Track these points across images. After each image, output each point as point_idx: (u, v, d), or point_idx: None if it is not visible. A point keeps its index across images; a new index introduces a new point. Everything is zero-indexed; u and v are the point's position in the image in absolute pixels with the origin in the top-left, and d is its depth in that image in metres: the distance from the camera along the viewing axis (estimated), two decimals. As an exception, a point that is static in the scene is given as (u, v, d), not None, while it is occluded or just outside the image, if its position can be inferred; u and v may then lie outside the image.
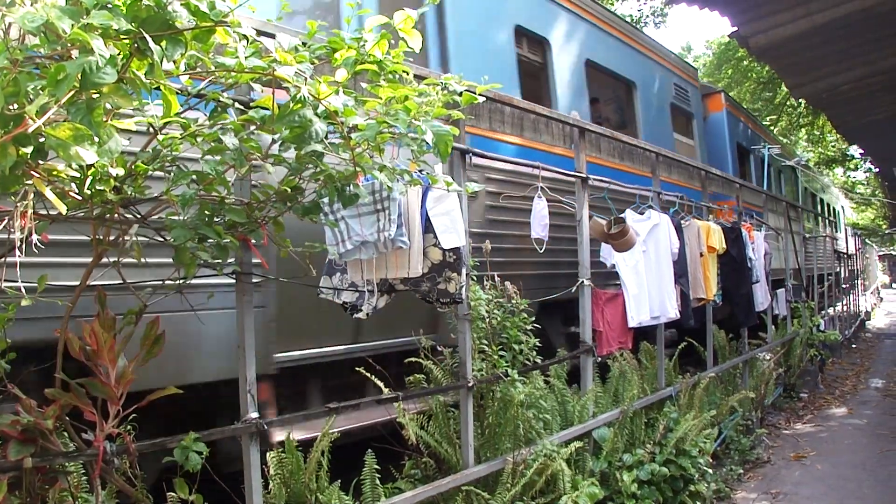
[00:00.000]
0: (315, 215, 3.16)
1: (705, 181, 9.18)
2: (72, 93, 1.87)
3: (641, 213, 6.86)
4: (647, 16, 29.34)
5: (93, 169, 2.44)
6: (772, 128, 28.64)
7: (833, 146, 34.48)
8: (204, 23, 2.22)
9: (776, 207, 13.87)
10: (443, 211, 4.23)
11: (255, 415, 3.43)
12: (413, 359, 5.07)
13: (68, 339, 2.86)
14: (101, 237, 2.87)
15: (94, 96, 1.96)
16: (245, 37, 2.47)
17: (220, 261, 2.99)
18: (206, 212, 2.89)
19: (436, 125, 2.91)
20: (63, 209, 2.18)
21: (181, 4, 2.11)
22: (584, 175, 6.01)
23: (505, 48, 7.37)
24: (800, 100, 19.36)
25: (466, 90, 3.23)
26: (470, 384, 4.65)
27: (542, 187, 5.60)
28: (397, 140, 3.05)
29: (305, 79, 2.51)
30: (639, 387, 6.56)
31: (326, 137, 2.69)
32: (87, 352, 2.89)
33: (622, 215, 6.46)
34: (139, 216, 2.86)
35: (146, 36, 2.01)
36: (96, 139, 1.94)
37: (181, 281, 3.06)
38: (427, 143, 2.93)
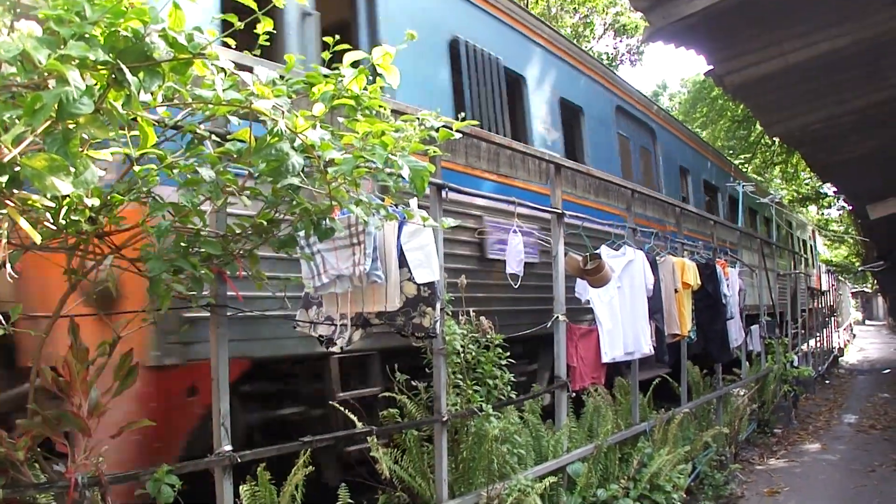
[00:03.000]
0: (291, 248, 3.17)
1: (680, 218, 9.27)
2: (48, 122, 1.87)
3: (617, 249, 6.91)
4: (623, 54, 29.42)
5: (68, 199, 2.44)
6: (745, 166, 29.01)
7: (807, 184, 34.87)
8: (182, 55, 2.24)
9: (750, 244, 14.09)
10: (417, 245, 4.24)
11: (228, 448, 3.39)
12: (386, 393, 5.06)
13: (40, 370, 2.84)
14: (75, 267, 2.86)
15: (71, 126, 1.96)
16: (223, 69, 2.49)
17: (194, 293, 2.98)
18: (182, 243, 2.88)
19: (412, 160, 2.93)
20: (37, 239, 2.18)
21: (159, 36, 2.13)
22: (559, 210, 6.05)
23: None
24: (774, 138, 19.67)
25: (443, 126, 3.26)
26: (444, 419, 4.64)
27: (517, 224, 5.66)
28: (373, 174, 3.06)
29: (283, 112, 2.53)
30: (613, 422, 6.57)
31: (303, 171, 2.70)
32: (59, 383, 2.86)
33: (598, 251, 6.51)
34: (114, 247, 2.85)
35: (123, 67, 2.03)
36: (72, 169, 1.94)
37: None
38: (403, 178, 2.95)
